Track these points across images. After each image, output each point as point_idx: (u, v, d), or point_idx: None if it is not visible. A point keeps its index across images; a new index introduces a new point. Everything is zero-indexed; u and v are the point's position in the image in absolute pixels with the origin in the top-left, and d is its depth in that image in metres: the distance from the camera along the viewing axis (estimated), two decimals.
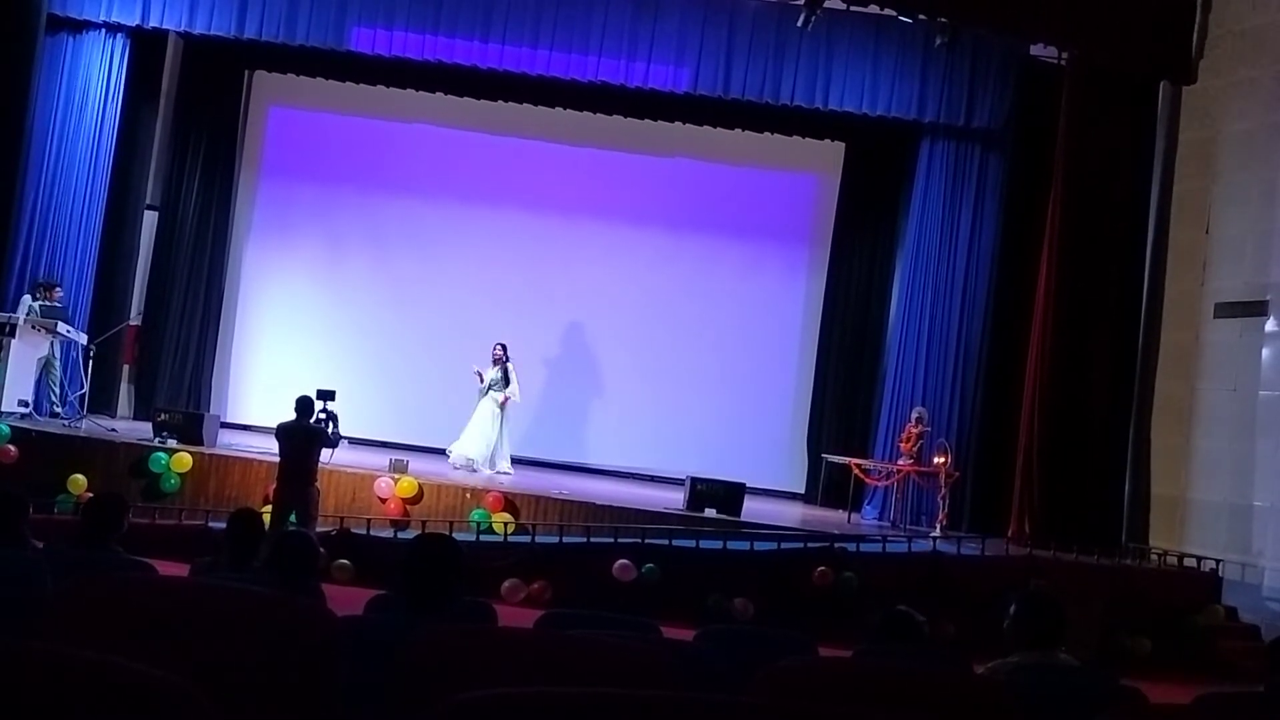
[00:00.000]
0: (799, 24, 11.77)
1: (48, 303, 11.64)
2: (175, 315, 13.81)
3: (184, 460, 10.46)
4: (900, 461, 11.84)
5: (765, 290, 14.25)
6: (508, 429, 12.13)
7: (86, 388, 11.94)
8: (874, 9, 11.60)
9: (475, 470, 11.74)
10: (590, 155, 14.24)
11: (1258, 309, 11.08)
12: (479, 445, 11.88)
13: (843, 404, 13.95)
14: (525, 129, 14.14)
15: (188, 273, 13.90)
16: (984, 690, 3.04)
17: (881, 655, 4.09)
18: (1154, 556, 11.09)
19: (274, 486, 9.30)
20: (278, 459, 9.21)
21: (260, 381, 13.90)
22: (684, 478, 11.60)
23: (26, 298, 11.68)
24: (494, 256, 14.07)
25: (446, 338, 13.86)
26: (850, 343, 14.02)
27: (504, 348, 12.09)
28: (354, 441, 12.20)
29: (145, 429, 11.46)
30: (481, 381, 12.04)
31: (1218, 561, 10.49)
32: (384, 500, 10.39)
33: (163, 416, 11.21)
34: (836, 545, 9.97)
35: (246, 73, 14.24)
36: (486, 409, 11.99)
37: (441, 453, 12.35)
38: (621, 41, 12.52)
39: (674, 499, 11.44)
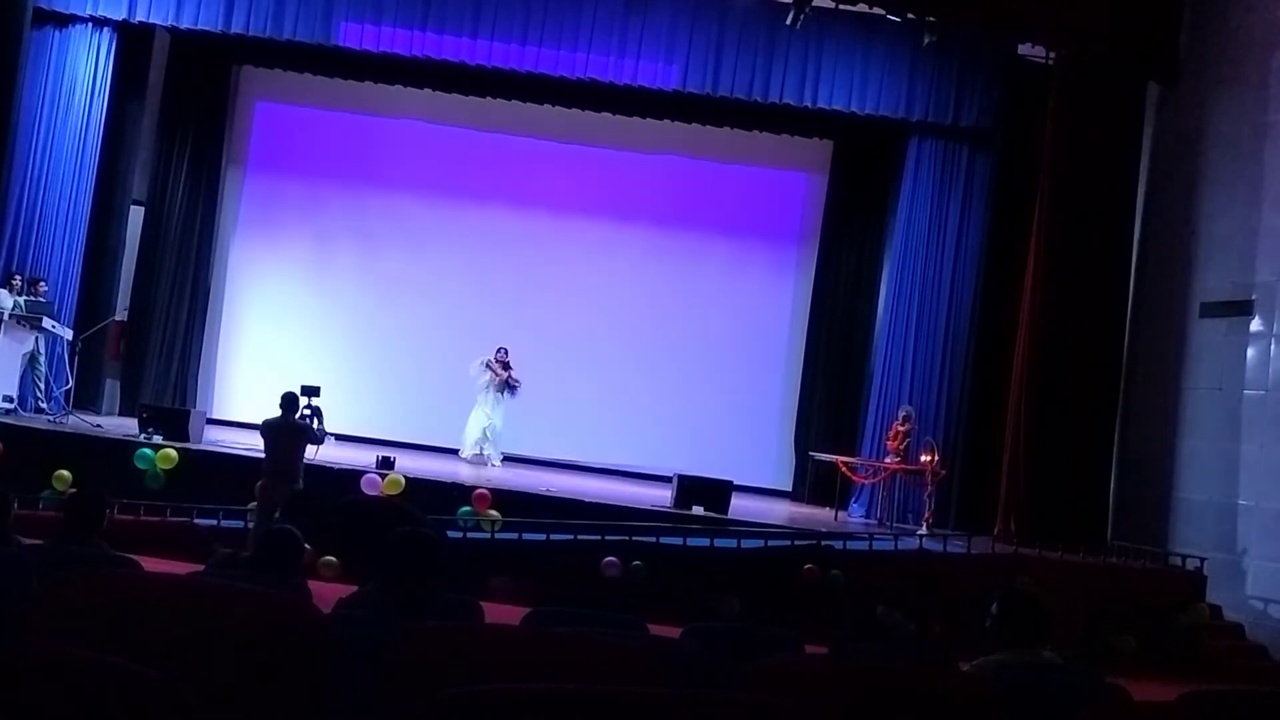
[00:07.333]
0: (788, 22, 11.75)
1: (33, 297, 11.56)
2: (161, 311, 13.76)
3: (169, 456, 10.39)
4: (887, 459, 11.86)
5: (753, 288, 14.26)
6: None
7: (72, 383, 11.88)
8: (863, 8, 11.60)
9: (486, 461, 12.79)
10: (579, 152, 14.23)
11: (1243, 308, 11.12)
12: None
13: (830, 402, 13.98)
14: (513, 125, 14.11)
15: (174, 268, 13.85)
16: (969, 688, 3.05)
17: (862, 653, 4.09)
18: (1139, 555, 11.13)
19: (260, 483, 9.25)
20: (263, 456, 9.18)
21: (246, 378, 13.86)
22: (671, 475, 11.60)
23: (1, 291, 11.54)
24: (481, 253, 14.05)
25: (434, 334, 13.85)
26: (838, 341, 14.05)
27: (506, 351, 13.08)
28: (341, 438, 12.18)
29: (131, 425, 11.41)
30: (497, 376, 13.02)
31: (1202, 560, 10.52)
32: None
33: (148, 413, 11.16)
34: (823, 543, 9.98)
35: (234, 68, 14.20)
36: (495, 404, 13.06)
37: (429, 449, 12.33)
38: (610, 38, 12.52)
39: (661, 496, 11.43)
